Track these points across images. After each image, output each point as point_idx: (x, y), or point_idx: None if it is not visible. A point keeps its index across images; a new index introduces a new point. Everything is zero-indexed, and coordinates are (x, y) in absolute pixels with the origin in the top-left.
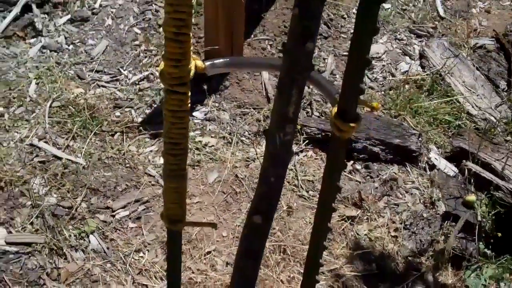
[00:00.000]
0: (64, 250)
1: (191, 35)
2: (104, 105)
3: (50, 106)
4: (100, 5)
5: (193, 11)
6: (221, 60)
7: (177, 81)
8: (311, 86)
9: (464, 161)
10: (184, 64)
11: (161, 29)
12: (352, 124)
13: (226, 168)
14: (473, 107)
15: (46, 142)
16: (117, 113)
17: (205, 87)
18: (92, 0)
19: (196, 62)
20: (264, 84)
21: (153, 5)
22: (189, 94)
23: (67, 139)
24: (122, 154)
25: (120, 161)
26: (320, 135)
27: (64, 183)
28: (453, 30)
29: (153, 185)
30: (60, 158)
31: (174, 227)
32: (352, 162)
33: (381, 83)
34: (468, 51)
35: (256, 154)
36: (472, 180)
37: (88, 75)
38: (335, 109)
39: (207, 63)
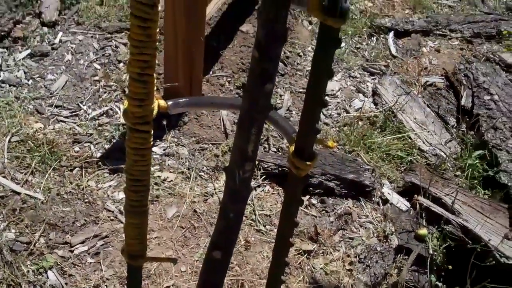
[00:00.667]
0: (23, 286)
1: (154, 75)
2: (63, 140)
3: (9, 141)
4: (60, 40)
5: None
6: (184, 99)
7: (140, 120)
8: (269, 124)
9: (415, 195)
10: (147, 103)
11: (121, 65)
12: (308, 162)
13: (184, 203)
14: (424, 143)
15: (4, 177)
16: (76, 148)
17: (164, 122)
18: (52, 35)
19: (159, 102)
20: (222, 120)
21: (113, 41)
22: (152, 132)
23: (25, 174)
24: (81, 189)
25: (79, 196)
26: (277, 170)
27: (23, 218)
28: (404, 68)
29: (111, 220)
30: (18, 193)
31: (134, 263)
32: (308, 196)
33: (335, 119)
34: (419, 89)
35: (215, 189)
36: (423, 214)
37: (48, 110)
38: (292, 147)
39: (170, 102)
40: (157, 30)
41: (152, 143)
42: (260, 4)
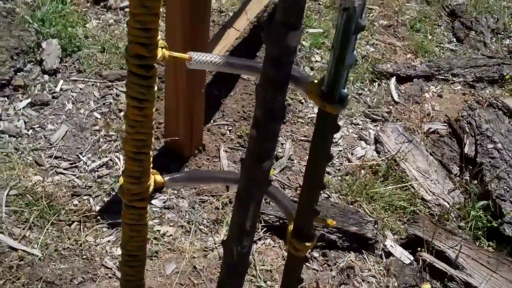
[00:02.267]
0: None
1: (150, 153)
2: (62, 193)
3: (7, 195)
4: (61, 89)
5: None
6: (181, 175)
7: (136, 197)
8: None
9: (419, 249)
10: (143, 181)
11: (121, 114)
12: (307, 244)
13: (184, 259)
14: (427, 192)
15: (2, 232)
16: (75, 201)
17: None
18: (52, 83)
19: (155, 177)
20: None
21: (114, 89)
22: (148, 208)
23: (23, 229)
24: (79, 245)
25: (77, 252)
26: (278, 223)
27: (20, 276)
28: (407, 114)
29: (110, 277)
30: (16, 250)
31: None
32: (310, 250)
33: (337, 168)
34: (422, 136)
35: (215, 243)
36: (427, 269)
37: (47, 162)
38: (291, 227)
39: (167, 178)
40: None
41: (148, 218)
42: (258, 82)
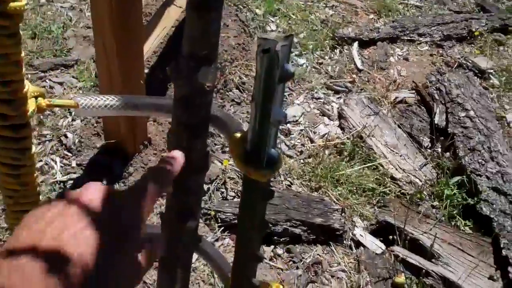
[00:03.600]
0: None
1: None
2: None
3: None
4: None
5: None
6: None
7: None
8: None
9: (390, 237)
10: None
11: (56, 109)
12: None
13: None
14: (396, 169)
15: None
16: None
17: (104, 182)
18: None
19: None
20: None
21: (47, 80)
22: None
23: None
24: None
25: None
26: (236, 221)
27: None
28: (372, 83)
29: None
30: None
31: None
32: (272, 246)
33: (299, 150)
34: (388, 107)
35: None
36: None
37: None
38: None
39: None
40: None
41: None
42: (169, 129)
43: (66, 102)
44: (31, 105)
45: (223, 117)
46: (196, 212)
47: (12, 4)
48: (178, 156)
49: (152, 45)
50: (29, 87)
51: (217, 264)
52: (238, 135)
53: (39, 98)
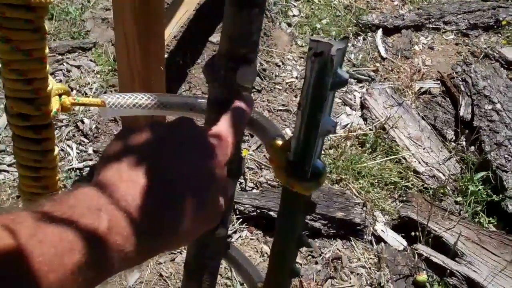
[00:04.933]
0: None
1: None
2: (6, 195)
3: None
4: None
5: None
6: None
7: None
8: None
9: (412, 233)
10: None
11: (73, 93)
12: None
13: (148, 266)
14: (419, 163)
15: None
16: (22, 205)
17: None
18: None
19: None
20: None
21: (64, 63)
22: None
23: None
24: None
25: None
26: (255, 213)
27: None
28: (395, 72)
29: None
30: None
31: None
32: None
33: None
34: (412, 98)
35: None
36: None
37: None
38: None
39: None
40: (56, 146)
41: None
42: None
43: (92, 100)
44: (55, 104)
45: (261, 121)
46: (226, 220)
47: None
48: (248, 97)
49: (173, 29)
50: (53, 85)
51: (246, 273)
52: (280, 142)
53: (63, 96)
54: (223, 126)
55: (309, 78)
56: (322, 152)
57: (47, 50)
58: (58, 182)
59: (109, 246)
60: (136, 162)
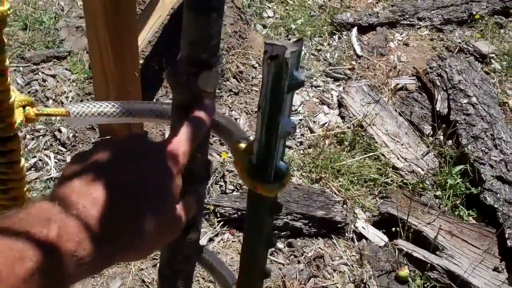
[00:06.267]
0: None
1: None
2: None
3: None
4: None
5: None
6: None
7: None
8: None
9: (393, 229)
10: None
11: (50, 102)
12: None
13: (130, 273)
14: (398, 159)
15: None
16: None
17: None
18: None
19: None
20: None
21: (40, 73)
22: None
23: None
24: None
25: None
26: (236, 215)
27: None
28: (371, 69)
29: None
30: None
31: None
32: None
33: (299, 141)
34: (389, 94)
35: None
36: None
37: None
38: None
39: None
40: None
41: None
42: (168, 136)
43: (56, 110)
44: (19, 116)
45: (225, 124)
46: (198, 223)
47: None
48: (208, 104)
49: (147, 35)
50: (16, 96)
51: (220, 276)
52: (243, 145)
53: (27, 108)
54: (178, 138)
55: (266, 81)
56: (302, 150)
57: (7, 62)
58: (26, 193)
59: (61, 252)
60: (88, 178)
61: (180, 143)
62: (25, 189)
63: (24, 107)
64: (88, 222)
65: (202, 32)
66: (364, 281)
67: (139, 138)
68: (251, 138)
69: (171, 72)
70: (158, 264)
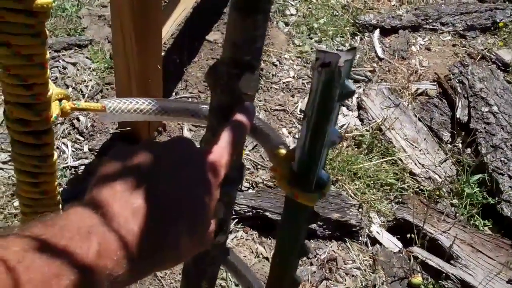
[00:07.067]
0: None
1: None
2: (0, 193)
3: None
4: None
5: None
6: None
7: None
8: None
9: (408, 236)
10: None
11: (69, 90)
12: None
13: None
14: (416, 165)
15: None
16: (16, 203)
17: None
18: None
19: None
20: None
21: (60, 60)
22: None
23: None
24: None
25: None
26: (251, 213)
27: None
28: (392, 73)
29: None
30: None
31: None
32: None
33: None
34: (409, 99)
35: None
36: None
37: None
38: None
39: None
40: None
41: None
42: (203, 137)
43: (92, 105)
44: (55, 109)
45: (264, 128)
46: (226, 226)
47: (39, 1)
48: (250, 107)
49: (170, 28)
50: (53, 90)
51: (245, 279)
52: (283, 151)
53: (63, 101)
54: (219, 147)
55: (316, 89)
56: None
57: (48, 55)
58: (57, 188)
59: (98, 271)
60: (130, 183)
61: (223, 153)
62: (56, 183)
63: (60, 100)
64: (128, 239)
65: (247, 34)
66: (376, 287)
67: (184, 143)
68: (289, 144)
69: (212, 71)
70: None
